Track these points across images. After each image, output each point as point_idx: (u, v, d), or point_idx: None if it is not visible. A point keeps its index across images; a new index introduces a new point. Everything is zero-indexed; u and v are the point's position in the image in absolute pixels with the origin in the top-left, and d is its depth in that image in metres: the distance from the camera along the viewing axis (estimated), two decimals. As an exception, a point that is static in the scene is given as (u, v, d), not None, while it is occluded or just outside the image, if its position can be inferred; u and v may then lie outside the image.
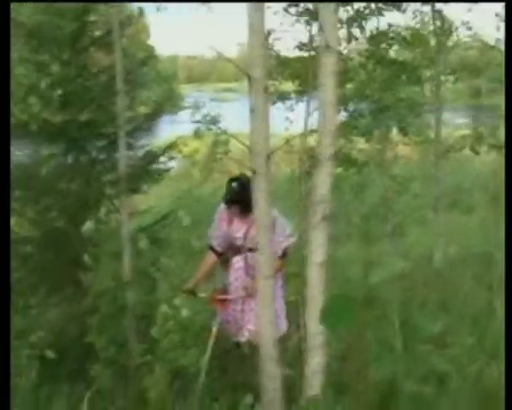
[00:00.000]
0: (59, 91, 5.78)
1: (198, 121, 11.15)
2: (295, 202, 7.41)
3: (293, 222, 7.03)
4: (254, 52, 3.65)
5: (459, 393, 5.08)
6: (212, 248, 5.74)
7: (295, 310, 5.53)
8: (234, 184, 5.49)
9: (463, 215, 13.27)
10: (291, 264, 6.03)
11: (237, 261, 5.63)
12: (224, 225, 5.62)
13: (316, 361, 3.54)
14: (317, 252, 3.44)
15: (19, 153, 5.89)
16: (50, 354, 5.14)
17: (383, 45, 9.60)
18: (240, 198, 5.41)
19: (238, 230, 5.57)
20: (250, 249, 5.47)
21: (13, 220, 6.02)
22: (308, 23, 9.22)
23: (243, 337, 5.54)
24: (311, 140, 8.21)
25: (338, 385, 5.09)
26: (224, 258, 5.73)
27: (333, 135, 3.37)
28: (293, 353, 5.22)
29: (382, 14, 9.69)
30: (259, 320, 4.09)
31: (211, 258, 5.77)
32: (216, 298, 5.63)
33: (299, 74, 9.84)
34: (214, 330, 5.38)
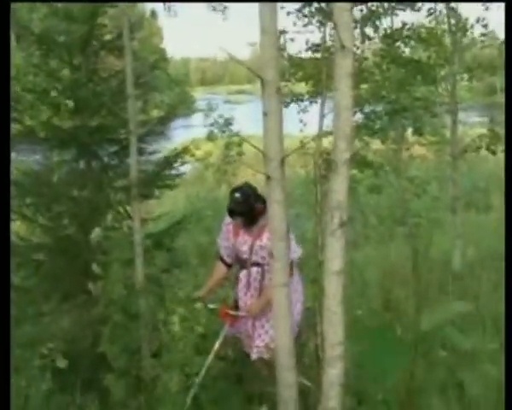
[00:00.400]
0: (69, 97, 5.71)
1: (211, 124, 11.09)
2: (310, 206, 7.30)
3: (309, 226, 6.92)
4: (266, 54, 3.55)
5: (480, 399, 4.96)
6: (221, 259, 5.53)
7: (312, 317, 5.39)
8: (237, 195, 5.13)
9: (480, 215, 13.13)
10: (308, 270, 5.91)
11: (244, 276, 5.38)
12: (231, 237, 5.36)
13: (334, 373, 3.42)
14: (334, 260, 3.32)
15: (28, 159, 5.83)
16: (62, 363, 5.06)
17: (398, 44, 9.48)
18: (243, 210, 5.09)
19: (244, 243, 5.27)
20: (256, 264, 5.24)
21: (24, 227, 5.96)
22: (321, 23, 9.12)
23: (254, 355, 5.32)
24: (326, 142, 8.11)
25: (356, 393, 4.99)
26: (235, 270, 5.53)
27: (349, 139, 3.25)
28: (309, 361, 5.11)
29: (396, 14, 9.58)
30: (275, 329, 3.98)
31: (220, 268, 5.53)
32: (223, 312, 5.41)
33: (313, 76, 9.75)
34: (217, 342, 5.21)
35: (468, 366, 5.20)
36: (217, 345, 5.16)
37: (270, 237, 4.88)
